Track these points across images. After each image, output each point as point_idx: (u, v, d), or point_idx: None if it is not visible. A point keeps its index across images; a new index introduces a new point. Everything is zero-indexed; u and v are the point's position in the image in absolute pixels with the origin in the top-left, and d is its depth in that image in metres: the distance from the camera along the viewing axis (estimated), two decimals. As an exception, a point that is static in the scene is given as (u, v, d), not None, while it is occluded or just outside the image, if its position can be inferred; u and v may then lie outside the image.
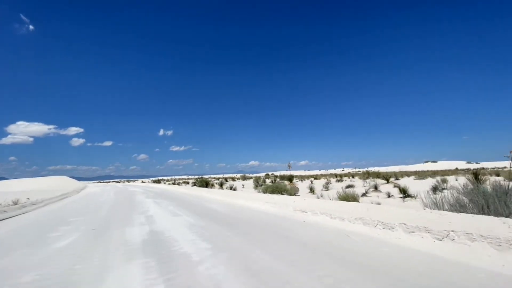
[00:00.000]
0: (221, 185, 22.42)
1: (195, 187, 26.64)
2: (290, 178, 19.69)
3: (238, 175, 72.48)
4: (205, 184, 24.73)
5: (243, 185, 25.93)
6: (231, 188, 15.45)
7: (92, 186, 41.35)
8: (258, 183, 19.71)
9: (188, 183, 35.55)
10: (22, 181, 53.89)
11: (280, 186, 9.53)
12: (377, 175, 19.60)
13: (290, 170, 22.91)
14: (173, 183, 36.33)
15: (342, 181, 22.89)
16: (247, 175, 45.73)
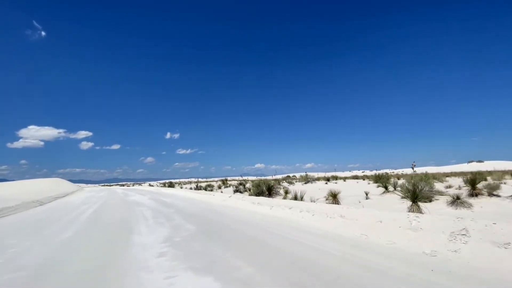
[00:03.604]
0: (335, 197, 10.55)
1: (239, 194, 16.06)
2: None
3: (297, 175, 57.94)
4: (268, 190, 13.98)
5: (343, 194, 15.21)
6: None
7: (87, 190, 31.34)
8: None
9: (220, 187, 24.75)
10: (12, 184, 45.35)
11: None
12: None
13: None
14: (196, 187, 25.66)
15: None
16: (308, 174, 34.81)
